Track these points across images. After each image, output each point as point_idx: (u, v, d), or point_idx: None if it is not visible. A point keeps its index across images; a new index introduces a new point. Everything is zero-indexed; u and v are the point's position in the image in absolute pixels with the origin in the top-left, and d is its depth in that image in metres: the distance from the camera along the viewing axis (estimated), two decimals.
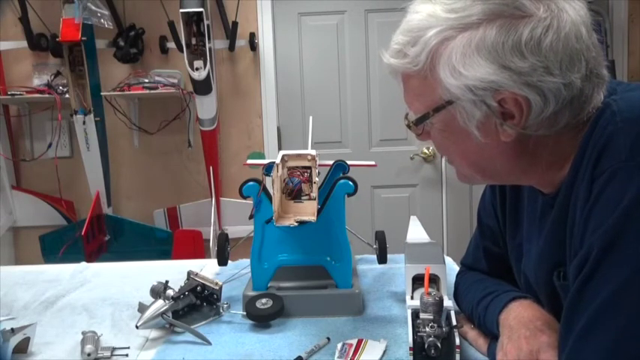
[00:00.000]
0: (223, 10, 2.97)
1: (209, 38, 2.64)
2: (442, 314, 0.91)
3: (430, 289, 0.93)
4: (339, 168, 1.40)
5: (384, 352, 0.99)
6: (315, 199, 1.12)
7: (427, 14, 0.76)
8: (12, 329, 0.99)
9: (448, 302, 0.97)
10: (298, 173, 1.20)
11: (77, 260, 1.61)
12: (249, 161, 1.92)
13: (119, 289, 1.35)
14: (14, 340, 0.99)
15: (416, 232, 1.31)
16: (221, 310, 1.15)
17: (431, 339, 0.89)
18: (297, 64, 3.22)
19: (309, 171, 1.19)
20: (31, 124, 3.12)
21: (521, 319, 0.85)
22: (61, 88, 2.86)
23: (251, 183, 1.15)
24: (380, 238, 1.25)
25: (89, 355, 0.99)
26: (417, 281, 1.06)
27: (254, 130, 3.15)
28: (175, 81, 2.96)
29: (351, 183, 1.15)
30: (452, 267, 1.28)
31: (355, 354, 0.98)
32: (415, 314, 0.93)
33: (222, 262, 1.24)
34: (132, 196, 3.19)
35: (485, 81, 0.72)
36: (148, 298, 1.13)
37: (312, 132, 1.53)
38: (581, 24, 0.73)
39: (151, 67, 3.05)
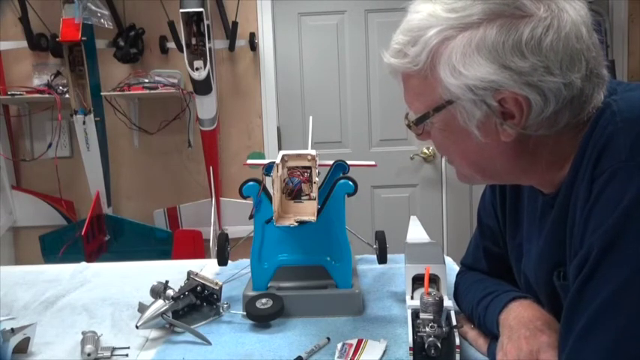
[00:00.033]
0: (223, 10, 2.97)
1: (209, 38, 2.63)
2: (442, 314, 0.91)
3: (430, 289, 0.93)
4: (339, 168, 1.40)
5: (384, 352, 0.98)
6: (315, 199, 1.12)
7: (427, 14, 0.76)
8: (12, 329, 0.99)
9: (448, 302, 0.97)
10: (298, 173, 1.20)
11: (77, 260, 1.61)
12: (249, 161, 1.92)
13: (119, 289, 1.35)
14: (14, 340, 0.99)
15: (416, 232, 1.31)
16: (221, 310, 1.15)
17: (431, 339, 0.89)
18: (297, 64, 3.22)
19: (309, 171, 1.19)
20: (31, 124, 3.12)
21: (521, 319, 0.85)
22: (61, 88, 2.86)
23: (251, 183, 1.15)
24: (380, 238, 1.25)
25: (89, 355, 0.99)
26: (417, 281, 1.05)
27: (254, 130, 3.15)
28: (175, 81, 2.96)
29: (351, 183, 1.15)
30: (452, 267, 1.27)
31: (355, 354, 0.98)
32: (415, 314, 0.93)
33: (222, 262, 1.24)
34: (132, 196, 3.19)
35: (485, 80, 0.72)
36: (148, 298, 1.13)
37: (312, 132, 1.53)
38: (581, 24, 0.73)
39: (151, 67, 3.05)
